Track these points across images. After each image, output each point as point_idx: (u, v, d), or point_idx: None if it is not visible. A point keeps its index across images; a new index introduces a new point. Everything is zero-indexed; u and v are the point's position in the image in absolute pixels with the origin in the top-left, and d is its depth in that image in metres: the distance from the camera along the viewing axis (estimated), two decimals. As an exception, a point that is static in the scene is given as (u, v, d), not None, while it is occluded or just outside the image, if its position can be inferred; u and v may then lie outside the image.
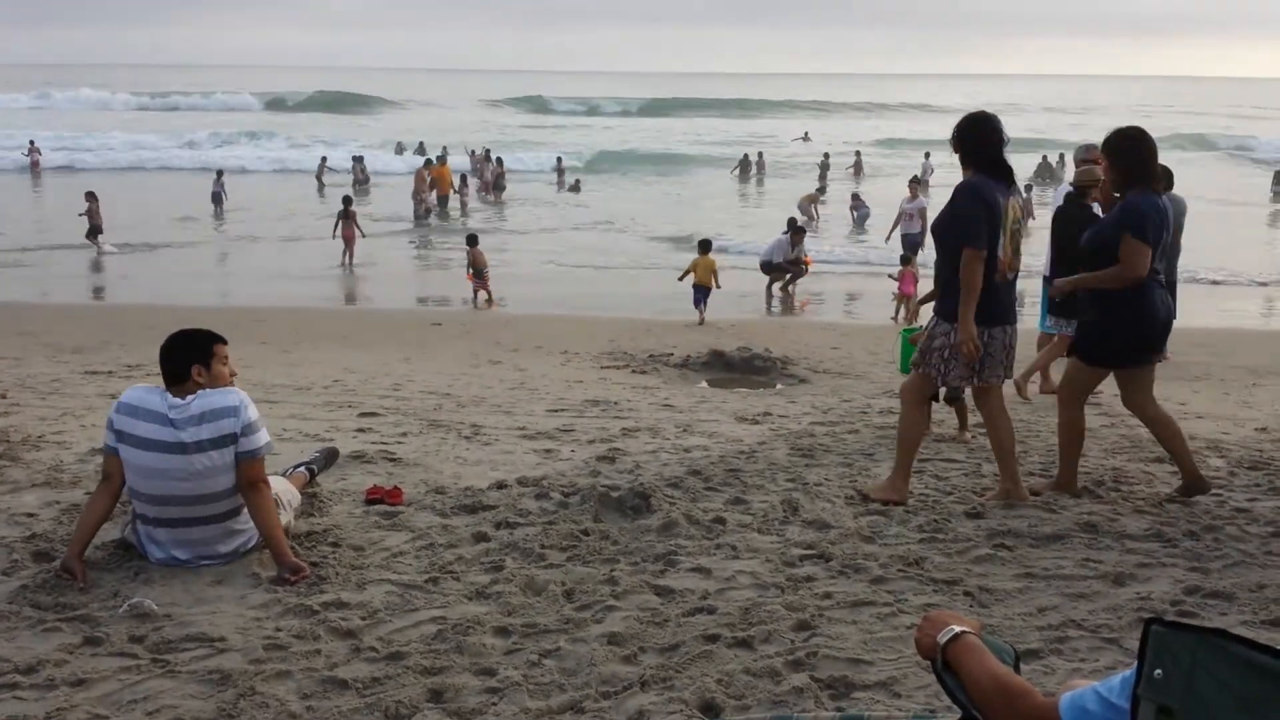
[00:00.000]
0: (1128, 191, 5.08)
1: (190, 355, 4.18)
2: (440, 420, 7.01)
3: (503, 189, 30.95)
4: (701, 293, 13.85)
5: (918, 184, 19.60)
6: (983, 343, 5.01)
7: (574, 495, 5.08)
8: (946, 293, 5.09)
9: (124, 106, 65.80)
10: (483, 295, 15.31)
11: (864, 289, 17.53)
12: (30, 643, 3.51)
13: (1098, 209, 7.97)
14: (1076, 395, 5.38)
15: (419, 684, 3.27)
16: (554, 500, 5.04)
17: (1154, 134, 5.22)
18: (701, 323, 13.31)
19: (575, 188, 32.69)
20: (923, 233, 17.34)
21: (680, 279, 14.31)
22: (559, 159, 36.58)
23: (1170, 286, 10.12)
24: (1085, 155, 7.97)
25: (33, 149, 35.20)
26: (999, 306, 5.05)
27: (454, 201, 27.38)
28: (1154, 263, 5.02)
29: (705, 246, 14.36)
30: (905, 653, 3.48)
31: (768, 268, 16.39)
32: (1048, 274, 8.22)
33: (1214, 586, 4.11)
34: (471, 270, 15.44)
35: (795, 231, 16.57)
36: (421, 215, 25.13)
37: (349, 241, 18.65)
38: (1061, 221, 7.78)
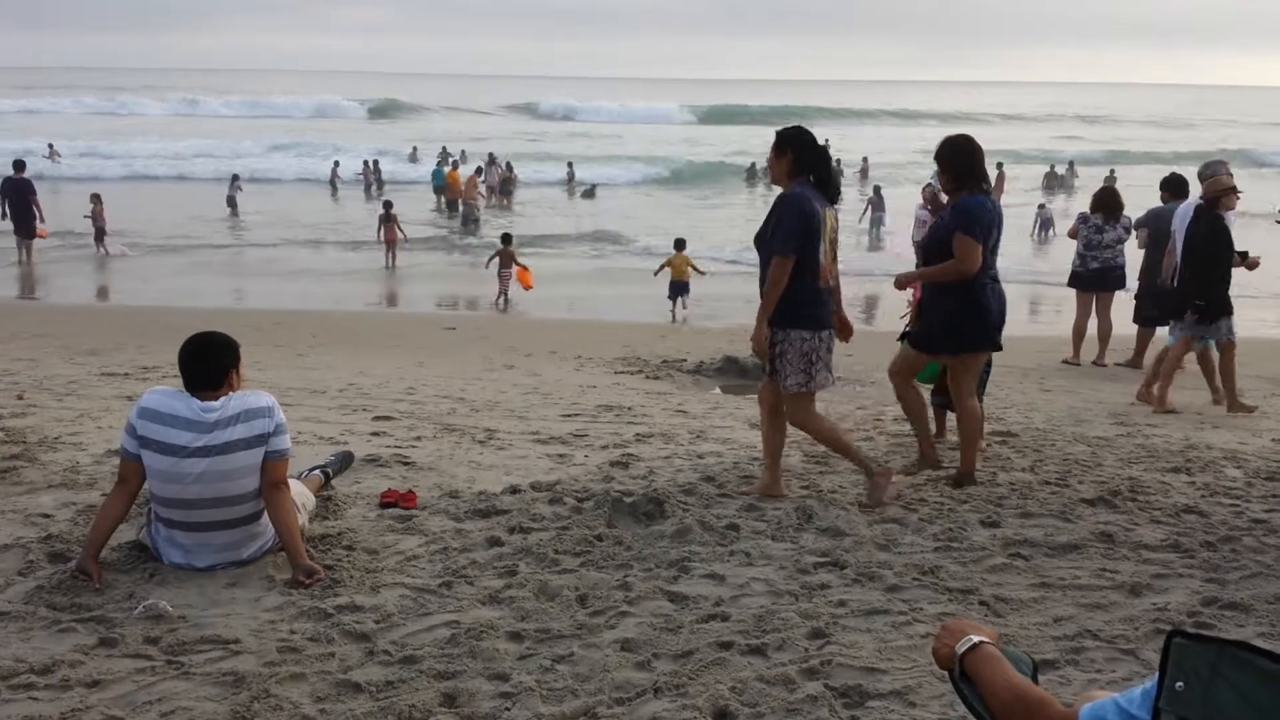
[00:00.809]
0: (959, 193, 5.47)
1: (225, 360, 4.20)
2: (454, 424, 7.01)
3: (510, 193, 31.05)
4: (678, 288, 15.03)
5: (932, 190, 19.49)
6: (814, 346, 5.12)
7: (588, 500, 5.07)
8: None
9: (130, 111, 65.32)
10: (507, 294, 15.80)
11: (878, 297, 17.49)
12: (46, 643, 3.52)
13: (1231, 217, 8.15)
14: (906, 376, 5.79)
15: (432, 688, 3.27)
16: (568, 505, 5.04)
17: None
18: (674, 320, 14.44)
19: (590, 193, 32.75)
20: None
21: (656, 273, 15.55)
22: (570, 164, 36.63)
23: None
24: (1216, 170, 8.16)
25: (52, 151, 35.53)
26: (823, 311, 5.19)
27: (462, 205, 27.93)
28: (985, 261, 5.39)
29: (680, 244, 15.60)
30: (920, 661, 3.47)
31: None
32: (1175, 283, 8.38)
33: (1231, 598, 4.08)
34: (499, 265, 16.00)
35: None
36: (472, 220, 25.55)
37: (391, 244, 19.24)
38: (1195, 232, 8.00)
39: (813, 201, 5.05)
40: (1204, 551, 4.63)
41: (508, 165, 33.04)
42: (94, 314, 13.93)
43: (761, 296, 5.14)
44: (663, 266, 15.40)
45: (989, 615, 3.91)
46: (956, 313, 5.47)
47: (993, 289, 5.50)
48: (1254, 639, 3.69)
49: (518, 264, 15.94)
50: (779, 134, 5.24)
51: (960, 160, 5.48)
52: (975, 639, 1.95)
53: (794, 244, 4.97)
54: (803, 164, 5.15)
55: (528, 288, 15.76)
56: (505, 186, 31.30)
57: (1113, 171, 34.44)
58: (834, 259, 5.20)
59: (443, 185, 28.94)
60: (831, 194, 5.20)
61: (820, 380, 5.18)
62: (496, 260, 16.06)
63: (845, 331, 5.40)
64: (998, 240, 5.51)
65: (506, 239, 16.61)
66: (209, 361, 4.18)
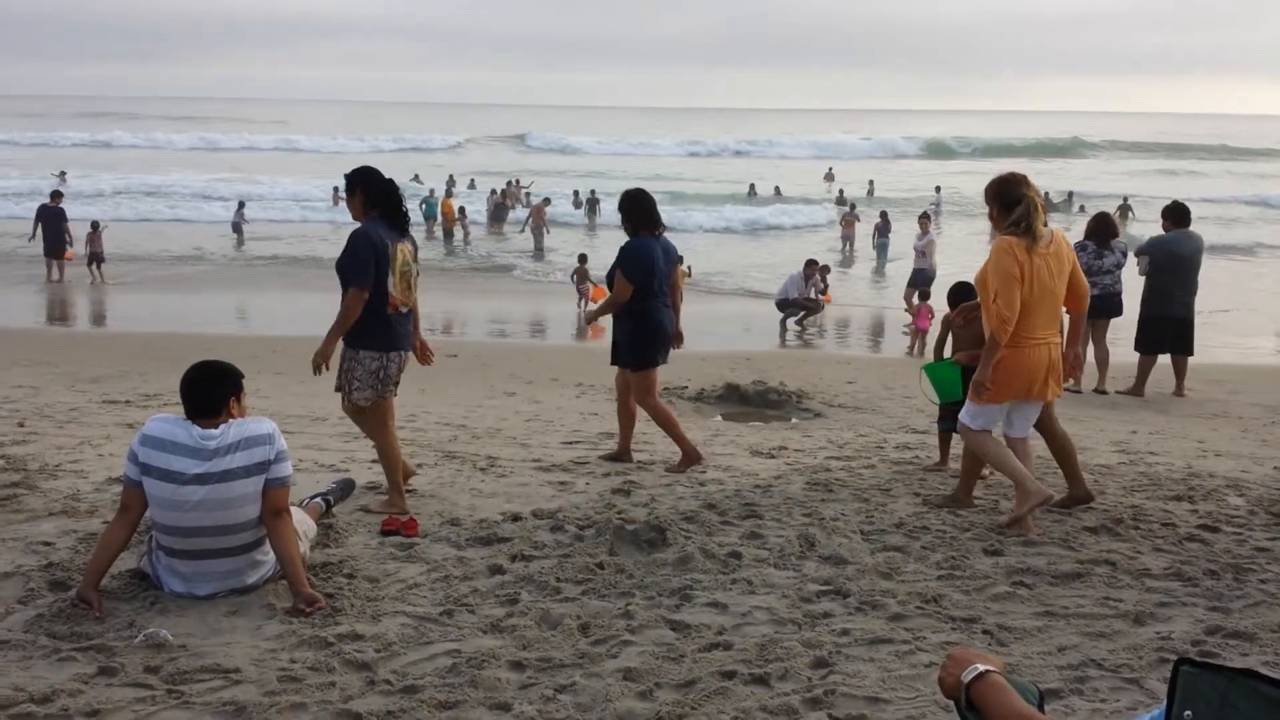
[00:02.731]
0: (635, 236, 6.59)
1: (226, 388, 4.22)
2: (456, 452, 7.01)
3: (503, 219, 31.29)
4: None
5: (929, 219, 19.55)
6: (381, 365, 5.52)
7: (589, 528, 5.06)
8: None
9: (134, 143, 64.76)
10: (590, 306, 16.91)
11: (880, 323, 17.54)
12: (45, 672, 3.50)
13: None
14: (647, 393, 6.77)
15: (433, 718, 3.26)
16: (569, 533, 5.03)
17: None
18: None
19: (591, 204, 33.21)
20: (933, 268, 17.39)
21: None
22: (576, 192, 36.81)
23: (1187, 323, 10.13)
24: None
25: (64, 178, 35.74)
26: (395, 335, 5.58)
27: (458, 233, 28.65)
28: (656, 289, 6.60)
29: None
30: (924, 691, 3.45)
31: (783, 305, 16.42)
32: None
33: (1235, 626, 4.07)
34: (578, 280, 18.01)
35: (808, 265, 16.76)
36: (540, 248, 26.03)
37: None
38: None
39: (382, 236, 5.45)
40: (1207, 580, 4.62)
41: (503, 192, 33.34)
42: (96, 341, 13.94)
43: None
44: None
45: (993, 644, 3.89)
46: (637, 334, 6.63)
47: (665, 314, 6.70)
48: (1259, 668, 3.67)
49: (590, 281, 17.71)
50: (349, 176, 5.65)
51: (633, 210, 6.64)
52: (981, 668, 1.94)
53: (368, 278, 5.37)
54: (373, 201, 5.56)
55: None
56: (498, 213, 31.55)
57: (1126, 199, 34.29)
58: (409, 287, 5.60)
59: (434, 214, 29.67)
60: (402, 227, 5.61)
61: (384, 393, 5.57)
62: (576, 276, 18.33)
63: (423, 355, 5.92)
64: (667, 272, 6.67)
65: (583, 258, 18.49)
66: (210, 389, 4.18)
